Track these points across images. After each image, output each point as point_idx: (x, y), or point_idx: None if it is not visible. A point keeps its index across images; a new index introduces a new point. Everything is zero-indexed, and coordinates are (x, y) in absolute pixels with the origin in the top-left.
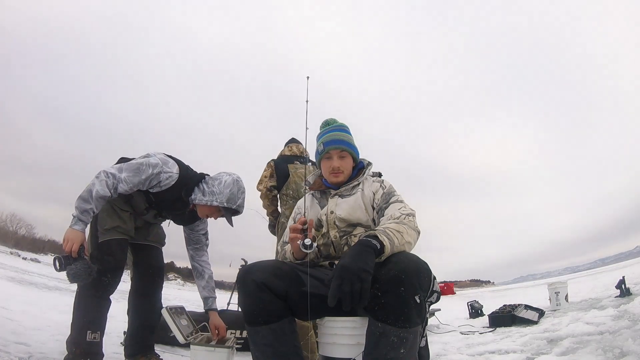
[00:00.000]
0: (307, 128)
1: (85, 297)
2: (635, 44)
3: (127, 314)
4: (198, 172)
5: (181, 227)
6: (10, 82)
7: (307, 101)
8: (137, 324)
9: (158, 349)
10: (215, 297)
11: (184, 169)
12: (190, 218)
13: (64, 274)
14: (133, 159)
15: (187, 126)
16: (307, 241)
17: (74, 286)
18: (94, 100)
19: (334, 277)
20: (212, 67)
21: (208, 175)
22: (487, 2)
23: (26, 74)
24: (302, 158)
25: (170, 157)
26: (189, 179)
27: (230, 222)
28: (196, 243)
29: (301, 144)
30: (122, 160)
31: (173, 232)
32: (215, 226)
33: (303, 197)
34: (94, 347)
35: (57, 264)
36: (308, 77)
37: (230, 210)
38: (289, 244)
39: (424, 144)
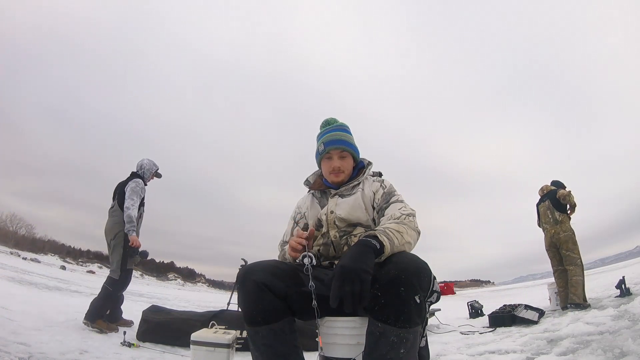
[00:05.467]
0: None
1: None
2: None
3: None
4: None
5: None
6: (16, 86)
7: None
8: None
9: (159, 348)
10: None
11: (138, 176)
12: None
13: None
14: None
15: (189, 130)
16: (307, 260)
17: (74, 286)
18: (97, 103)
19: (335, 278)
20: (216, 70)
21: (134, 172)
22: (491, 6)
23: (30, 78)
24: (543, 197)
25: (135, 175)
26: (139, 176)
27: (160, 175)
28: None
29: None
30: (136, 175)
31: (173, 233)
32: (216, 227)
33: (303, 197)
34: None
35: (141, 254)
36: None
37: (157, 171)
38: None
39: (425, 145)
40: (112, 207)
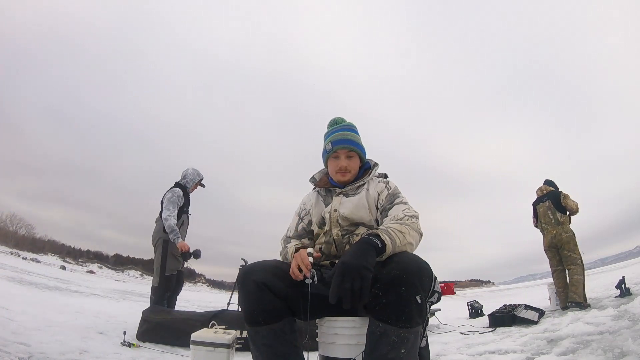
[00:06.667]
0: None
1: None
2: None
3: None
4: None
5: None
6: (16, 86)
7: None
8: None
9: (159, 348)
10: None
11: (180, 185)
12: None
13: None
14: (181, 185)
15: (189, 130)
16: (308, 280)
17: (74, 286)
18: (97, 103)
19: (335, 274)
20: (216, 70)
21: (177, 182)
22: (491, 6)
23: (30, 78)
24: (542, 197)
25: (177, 185)
26: (182, 186)
27: (204, 185)
28: None
29: (546, 184)
30: (178, 184)
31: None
32: (216, 227)
33: (308, 194)
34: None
35: (194, 255)
36: None
37: (200, 181)
38: (292, 242)
39: (425, 145)
40: (158, 216)
